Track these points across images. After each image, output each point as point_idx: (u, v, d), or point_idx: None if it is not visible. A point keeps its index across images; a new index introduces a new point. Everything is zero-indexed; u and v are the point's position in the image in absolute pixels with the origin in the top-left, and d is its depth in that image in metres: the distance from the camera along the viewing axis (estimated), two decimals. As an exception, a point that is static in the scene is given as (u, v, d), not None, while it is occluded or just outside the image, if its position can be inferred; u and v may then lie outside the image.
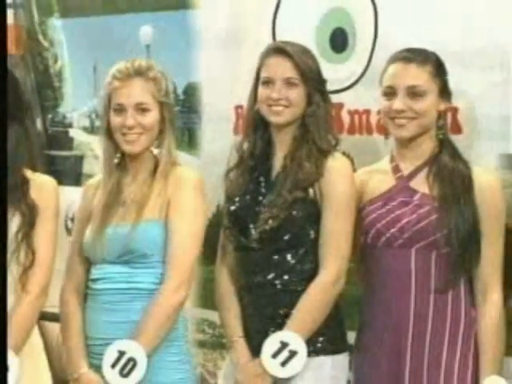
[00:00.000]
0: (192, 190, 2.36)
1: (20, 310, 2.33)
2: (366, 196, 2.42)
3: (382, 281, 2.37)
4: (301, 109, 2.38)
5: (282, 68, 2.36)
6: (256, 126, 2.42)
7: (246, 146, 2.42)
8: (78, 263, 2.45)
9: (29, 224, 2.34)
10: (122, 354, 2.23)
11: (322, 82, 2.41)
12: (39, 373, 2.42)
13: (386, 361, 2.35)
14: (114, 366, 2.24)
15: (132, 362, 2.23)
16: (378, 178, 2.43)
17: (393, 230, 2.34)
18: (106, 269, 2.37)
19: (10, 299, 2.15)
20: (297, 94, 2.36)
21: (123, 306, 2.34)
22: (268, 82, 2.37)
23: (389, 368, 2.34)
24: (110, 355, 2.25)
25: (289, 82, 2.36)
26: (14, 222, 2.33)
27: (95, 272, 2.41)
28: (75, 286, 2.45)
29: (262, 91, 2.38)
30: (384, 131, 2.48)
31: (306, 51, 2.40)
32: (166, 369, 2.33)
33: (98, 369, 2.32)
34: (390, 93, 2.36)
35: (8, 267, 2.28)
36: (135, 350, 2.24)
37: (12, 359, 2.23)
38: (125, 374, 2.24)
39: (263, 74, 2.38)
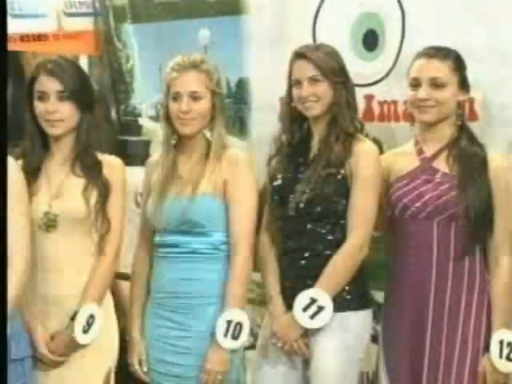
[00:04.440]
0: (247, 168, 2.36)
1: (99, 269, 2.33)
2: (394, 175, 2.39)
3: (408, 248, 2.33)
4: (328, 101, 2.36)
5: (304, 69, 2.35)
6: (294, 119, 2.41)
7: (284, 137, 2.42)
8: (148, 231, 2.45)
9: (104, 197, 2.33)
10: (230, 322, 2.27)
11: (343, 74, 2.38)
12: (108, 324, 2.38)
13: (411, 313, 2.31)
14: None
15: (239, 325, 2.27)
16: (404, 159, 2.39)
17: (417, 205, 2.31)
18: (169, 236, 2.37)
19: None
20: (321, 89, 2.35)
21: (188, 266, 2.33)
22: (297, 83, 2.37)
23: (412, 319, 2.31)
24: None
25: (313, 80, 2.35)
26: (93, 196, 2.32)
27: (160, 239, 2.40)
28: (144, 252, 2.46)
29: (294, 92, 2.38)
30: (409, 119, 2.44)
31: (326, 51, 2.38)
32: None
33: (160, 318, 2.36)
34: (415, 84, 2.33)
35: (89, 234, 2.31)
36: (240, 316, 2.28)
37: (97, 310, 2.29)
38: (235, 336, 2.28)
39: (292, 77, 2.39)
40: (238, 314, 2.28)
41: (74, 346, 2.29)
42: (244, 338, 2.28)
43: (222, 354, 2.29)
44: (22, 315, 2.24)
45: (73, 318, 2.27)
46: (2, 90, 1.68)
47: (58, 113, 2.32)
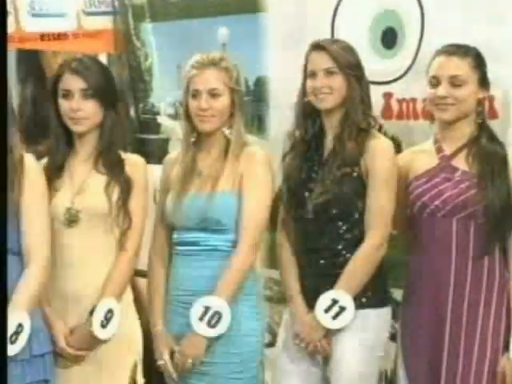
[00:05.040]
0: (262, 165, 2.35)
1: (120, 265, 2.33)
2: (413, 173, 2.37)
3: (427, 246, 2.32)
4: (342, 94, 2.33)
5: (321, 60, 2.33)
6: (307, 114, 2.39)
7: (297, 133, 2.40)
8: (161, 229, 2.43)
9: (126, 193, 2.33)
10: (207, 308, 2.25)
11: (358, 69, 2.35)
12: (129, 318, 2.40)
13: (429, 312, 2.30)
14: (201, 319, 2.25)
15: (217, 315, 2.25)
16: (423, 157, 2.37)
17: (436, 203, 2.29)
18: (188, 234, 2.36)
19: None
20: (336, 82, 2.32)
21: (207, 263, 2.33)
22: (312, 75, 2.34)
23: (431, 318, 2.30)
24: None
25: (328, 72, 2.32)
26: (115, 192, 2.33)
27: (178, 236, 2.39)
28: (160, 250, 2.44)
29: (309, 83, 2.35)
30: (428, 117, 2.42)
31: (343, 45, 2.36)
32: (245, 318, 2.32)
33: (181, 316, 2.34)
34: (434, 82, 2.31)
35: (110, 231, 2.32)
36: (220, 305, 2.25)
37: (116, 306, 2.28)
38: (212, 325, 2.25)
39: (308, 69, 2.36)
40: (217, 302, 2.25)
41: (93, 341, 2.30)
42: (221, 329, 2.25)
43: (194, 338, 2.27)
44: (41, 311, 2.25)
45: (91, 313, 2.28)
46: (2, 90, 1.64)
47: (82, 111, 2.33)
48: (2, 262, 1.74)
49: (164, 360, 2.34)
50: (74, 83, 2.33)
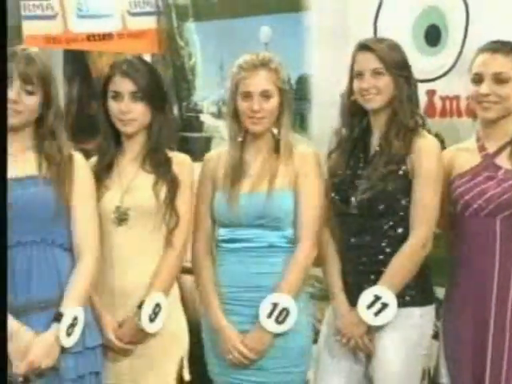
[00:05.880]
0: (316, 164, 2.39)
1: (167, 261, 2.36)
2: (455, 171, 2.36)
3: (470, 246, 2.31)
4: (389, 94, 2.33)
5: (367, 61, 2.33)
6: (353, 113, 2.39)
7: (344, 131, 2.40)
8: (208, 226, 2.44)
9: (173, 192, 2.36)
10: (275, 305, 2.29)
11: (405, 68, 2.35)
12: (176, 313, 2.43)
13: (472, 312, 2.29)
14: (269, 316, 2.29)
15: (285, 311, 2.29)
16: (466, 155, 2.36)
17: (479, 202, 2.28)
18: (242, 231, 2.37)
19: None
20: (383, 82, 2.32)
21: (262, 260, 2.35)
22: (359, 75, 2.34)
23: (474, 317, 2.29)
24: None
25: (376, 72, 2.32)
26: (162, 191, 2.36)
27: (228, 234, 2.40)
28: (207, 247, 2.44)
29: (356, 84, 2.36)
30: (472, 114, 2.41)
31: (389, 44, 2.35)
32: (298, 313, 2.35)
33: (228, 312, 2.36)
34: (477, 79, 2.30)
35: (158, 228, 2.35)
36: (287, 301, 2.30)
37: (163, 300, 2.32)
38: (280, 321, 2.30)
39: (355, 69, 2.36)
40: (285, 299, 2.29)
41: (140, 335, 2.34)
42: (289, 324, 2.29)
43: (261, 334, 2.30)
44: (92, 305, 2.31)
45: (140, 307, 2.32)
46: (2, 90, 1.66)
47: (131, 113, 2.36)
48: (2, 262, 1.75)
49: (236, 353, 2.32)
50: (124, 85, 2.36)
